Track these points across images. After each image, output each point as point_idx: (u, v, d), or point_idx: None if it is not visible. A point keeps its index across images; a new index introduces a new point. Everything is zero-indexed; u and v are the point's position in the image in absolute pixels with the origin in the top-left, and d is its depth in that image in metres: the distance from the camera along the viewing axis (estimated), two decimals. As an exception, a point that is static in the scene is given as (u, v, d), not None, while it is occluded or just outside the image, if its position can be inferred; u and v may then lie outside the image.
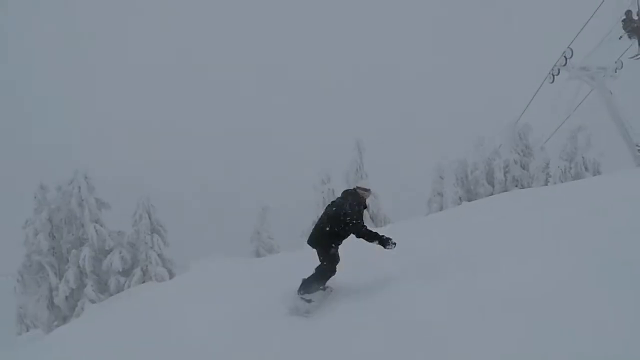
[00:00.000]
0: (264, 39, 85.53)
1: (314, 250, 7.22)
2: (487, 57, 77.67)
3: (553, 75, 16.23)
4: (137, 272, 16.85)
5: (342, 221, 6.91)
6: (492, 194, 22.60)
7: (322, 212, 7.56)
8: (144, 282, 16.82)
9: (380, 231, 7.25)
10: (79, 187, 17.60)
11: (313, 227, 7.47)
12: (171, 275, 17.03)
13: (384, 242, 6.74)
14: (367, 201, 7.61)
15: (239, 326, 6.64)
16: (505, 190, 21.93)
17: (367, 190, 7.53)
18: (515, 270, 5.27)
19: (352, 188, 7.64)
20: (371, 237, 6.82)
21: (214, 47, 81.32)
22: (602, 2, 15.27)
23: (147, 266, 16.99)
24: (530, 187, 22.08)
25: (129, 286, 16.69)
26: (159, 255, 17.40)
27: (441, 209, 23.67)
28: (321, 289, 7.15)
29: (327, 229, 7.06)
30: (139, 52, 78.81)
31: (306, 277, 7.12)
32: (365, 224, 7.13)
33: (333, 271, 7.05)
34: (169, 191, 49.34)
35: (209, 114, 70.97)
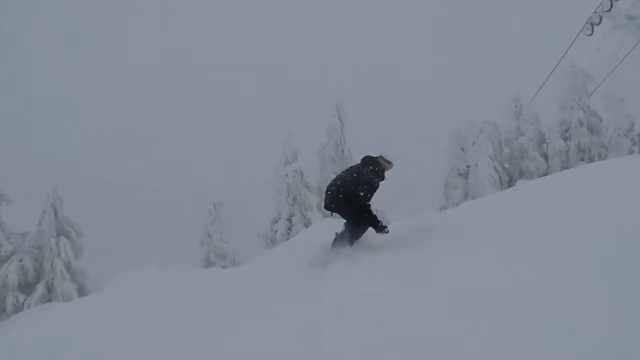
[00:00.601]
0: (264, 39, 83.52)
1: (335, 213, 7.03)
2: (487, 57, 75.38)
3: (592, 25, 12.50)
4: (41, 287, 12.29)
5: (355, 190, 6.63)
6: (546, 173, 15.99)
7: (337, 175, 7.26)
8: (49, 300, 12.33)
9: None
10: (-30, 176, 13.28)
11: (327, 191, 7.03)
12: (83, 292, 12.75)
13: (380, 228, 6.72)
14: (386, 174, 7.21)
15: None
16: (566, 168, 15.34)
17: (390, 163, 7.07)
18: (521, 268, 4.71)
19: (375, 156, 7.10)
20: (370, 219, 6.67)
21: (214, 47, 79.49)
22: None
23: (52, 280, 12.46)
24: (604, 159, 15.76)
25: (29, 306, 12.24)
26: (66, 265, 12.91)
27: (466, 195, 17.40)
28: (356, 242, 6.85)
29: (343, 192, 6.72)
30: (139, 52, 77.22)
31: (339, 232, 7.00)
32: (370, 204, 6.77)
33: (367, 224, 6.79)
34: (169, 191, 47.95)
35: (209, 113, 70.62)
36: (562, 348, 3.56)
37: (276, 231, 19.95)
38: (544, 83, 17.03)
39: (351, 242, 6.87)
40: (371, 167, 6.85)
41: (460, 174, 18.00)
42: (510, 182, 15.88)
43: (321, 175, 22.57)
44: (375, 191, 6.87)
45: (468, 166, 17.92)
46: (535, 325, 3.86)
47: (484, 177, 16.63)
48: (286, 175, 17.71)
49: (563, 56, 14.67)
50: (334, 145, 18.30)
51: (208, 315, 5.95)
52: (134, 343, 5.56)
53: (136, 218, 45.49)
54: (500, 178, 16.45)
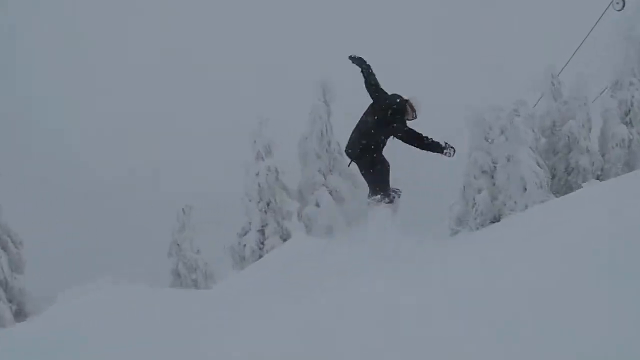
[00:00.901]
0: (264, 39, 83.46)
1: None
2: (487, 58, 75.30)
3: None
4: (-27, 310, 11.14)
5: (389, 115, 6.21)
6: (601, 172, 12.51)
7: (360, 119, 6.90)
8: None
9: None
10: None
11: (353, 131, 6.81)
12: (22, 314, 11.85)
13: (441, 147, 6.23)
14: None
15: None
16: (628, 163, 11.73)
17: (415, 111, 6.78)
18: (521, 268, 4.72)
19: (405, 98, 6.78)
20: (422, 141, 6.12)
21: (214, 47, 79.46)
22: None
23: (-13, 300, 11.41)
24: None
25: (-40, 332, 11.23)
26: (1, 283, 11.76)
27: (494, 200, 13.42)
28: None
29: (376, 125, 6.41)
30: (139, 52, 77.30)
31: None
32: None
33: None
34: (169, 191, 48.02)
35: (209, 113, 70.37)
36: (562, 348, 3.57)
37: (245, 245, 17.12)
38: (569, 61, 14.31)
39: (387, 196, 6.45)
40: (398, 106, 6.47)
41: (484, 172, 14.34)
42: (553, 181, 13.36)
43: (302, 175, 19.14)
44: (406, 125, 6.55)
45: (494, 162, 14.75)
46: (535, 325, 3.86)
47: (525, 173, 12.94)
48: (257, 175, 15.08)
49: (589, 33, 13.46)
50: (318, 136, 15.41)
51: (208, 316, 5.96)
52: (133, 343, 5.55)
53: (136, 218, 45.72)
54: (543, 179, 13.30)
